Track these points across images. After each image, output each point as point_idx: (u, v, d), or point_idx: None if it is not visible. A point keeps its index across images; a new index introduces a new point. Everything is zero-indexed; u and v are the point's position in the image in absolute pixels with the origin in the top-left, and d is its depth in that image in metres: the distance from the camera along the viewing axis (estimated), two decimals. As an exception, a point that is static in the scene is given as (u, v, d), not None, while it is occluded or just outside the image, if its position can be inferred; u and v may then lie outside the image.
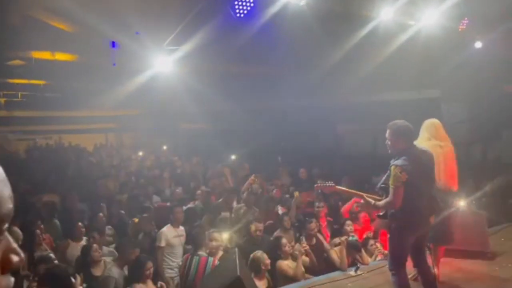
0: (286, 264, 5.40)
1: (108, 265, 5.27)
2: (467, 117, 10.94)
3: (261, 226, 6.01)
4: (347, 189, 4.94)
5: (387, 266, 5.36)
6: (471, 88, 10.96)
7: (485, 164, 11.71)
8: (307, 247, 5.52)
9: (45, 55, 9.93)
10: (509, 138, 11.14)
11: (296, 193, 7.38)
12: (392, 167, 3.86)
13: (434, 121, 4.94)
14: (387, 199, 3.94)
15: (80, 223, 6.00)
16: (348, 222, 6.26)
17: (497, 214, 7.04)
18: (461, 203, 6.71)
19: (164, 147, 17.29)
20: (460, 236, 5.83)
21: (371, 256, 5.86)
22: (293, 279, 5.31)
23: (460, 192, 7.58)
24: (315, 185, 4.85)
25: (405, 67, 10.64)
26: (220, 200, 7.89)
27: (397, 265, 4.06)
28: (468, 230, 5.86)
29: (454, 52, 9.80)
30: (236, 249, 4.57)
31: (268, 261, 5.02)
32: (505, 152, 10.90)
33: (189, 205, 7.86)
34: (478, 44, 9.17)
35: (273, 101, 16.18)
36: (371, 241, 5.93)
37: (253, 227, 5.96)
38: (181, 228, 6.32)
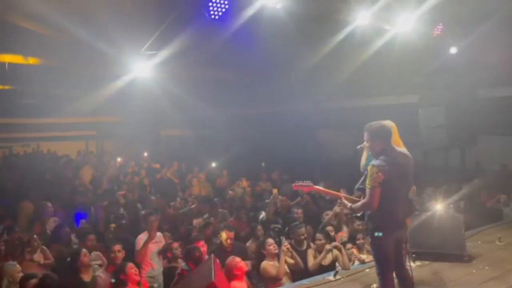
0: (270, 265, 5.37)
1: (96, 270, 5.24)
2: (444, 122, 11.04)
3: (232, 234, 5.88)
4: (324, 189, 4.88)
5: (366, 270, 5.40)
6: (448, 93, 11.09)
7: (463, 169, 11.88)
8: (289, 246, 5.47)
9: (18, 59, 9.70)
10: (484, 144, 11.31)
11: (275, 190, 7.34)
12: (369, 167, 3.81)
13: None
14: (364, 200, 3.89)
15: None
16: (330, 228, 6.31)
17: (475, 217, 7.12)
18: (438, 207, 6.77)
19: (145, 154, 17.17)
20: (437, 240, 5.88)
21: (349, 261, 5.82)
22: (275, 278, 5.27)
23: (438, 196, 7.70)
24: (293, 184, 4.79)
25: (382, 73, 10.75)
26: (193, 206, 7.84)
27: (383, 269, 3.98)
28: (445, 234, 5.90)
29: (430, 57, 9.93)
30: (212, 256, 4.49)
31: (241, 264, 4.95)
32: (481, 158, 11.05)
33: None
34: (454, 50, 9.32)
35: (252, 108, 16.19)
36: (348, 245, 5.89)
37: (223, 235, 5.84)
38: (159, 235, 6.18)
